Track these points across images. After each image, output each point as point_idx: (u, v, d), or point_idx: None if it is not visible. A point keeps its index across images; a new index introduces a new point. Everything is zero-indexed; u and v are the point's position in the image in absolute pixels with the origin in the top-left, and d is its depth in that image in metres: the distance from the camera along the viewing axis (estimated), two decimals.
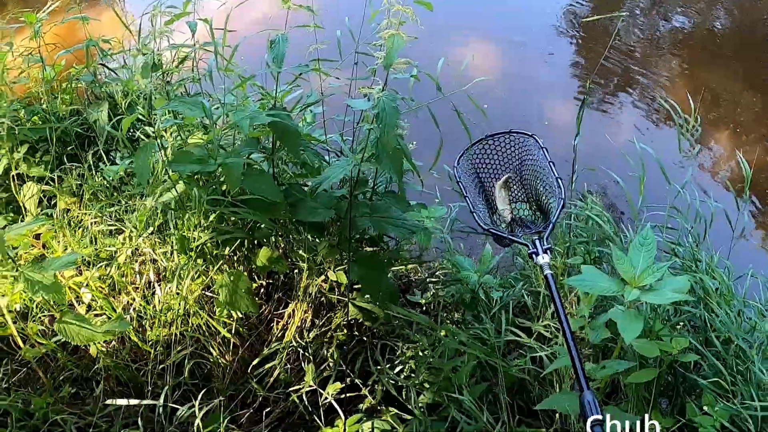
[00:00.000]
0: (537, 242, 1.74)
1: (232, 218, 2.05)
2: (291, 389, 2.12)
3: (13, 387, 2.19)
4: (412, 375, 2.16)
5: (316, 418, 2.04)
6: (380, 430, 2.03)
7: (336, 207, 1.98)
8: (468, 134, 2.01)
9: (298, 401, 2.11)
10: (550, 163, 1.99)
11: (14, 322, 2.11)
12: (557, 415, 2.09)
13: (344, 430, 2.01)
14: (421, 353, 2.17)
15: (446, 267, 2.56)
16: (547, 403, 1.90)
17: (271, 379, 2.16)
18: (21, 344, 2.12)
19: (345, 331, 2.20)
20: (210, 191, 1.98)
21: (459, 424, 1.99)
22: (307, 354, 2.14)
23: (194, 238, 2.02)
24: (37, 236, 2.64)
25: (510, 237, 1.88)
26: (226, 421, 1.99)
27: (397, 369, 2.20)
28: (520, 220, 2.13)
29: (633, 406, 2.05)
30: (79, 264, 2.36)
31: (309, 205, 1.94)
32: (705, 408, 1.95)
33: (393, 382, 2.14)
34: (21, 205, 2.73)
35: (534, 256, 1.72)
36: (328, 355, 2.18)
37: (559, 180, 1.92)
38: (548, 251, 1.73)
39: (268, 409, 2.13)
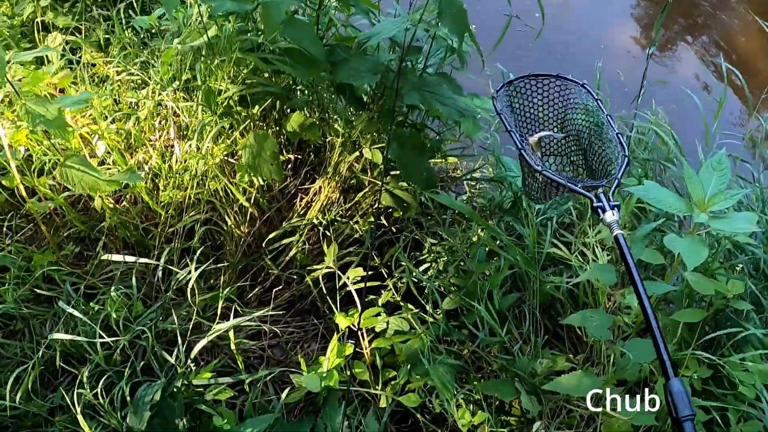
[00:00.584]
0: (602, 195, 1.49)
1: (266, 74, 1.85)
2: (308, 269, 1.96)
3: (15, 243, 2.06)
4: (439, 276, 1.99)
5: (331, 303, 1.88)
6: (396, 326, 1.88)
7: (382, 75, 1.78)
8: (543, 17, 1.78)
9: (312, 285, 1.95)
10: (608, 117, 1.77)
11: (21, 172, 1.96)
12: (586, 345, 1.93)
13: (359, 320, 1.85)
14: (451, 253, 2.00)
15: (487, 170, 2.36)
16: (573, 318, 1.67)
17: (287, 258, 2.00)
18: (26, 196, 1.97)
19: (372, 219, 2.02)
20: (244, 40, 1.79)
21: (479, 336, 1.83)
22: (329, 233, 1.97)
23: (222, 90, 1.83)
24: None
25: (570, 185, 1.65)
26: (227, 290, 1.84)
27: (423, 267, 2.03)
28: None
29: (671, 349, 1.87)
30: (96, 115, 2.20)
31: (353, 65, 1.73)
32: (749, 364, 1.77)
33: (416, 281, 1.98)
34: (44, 56, 2.56)
35: (600, 211, 1.46)
36: (352, 240, 2.01)
37: (619, 136, 1.71)
38: (616, 208, 1.47)
39: (279, 287, 1.98)
